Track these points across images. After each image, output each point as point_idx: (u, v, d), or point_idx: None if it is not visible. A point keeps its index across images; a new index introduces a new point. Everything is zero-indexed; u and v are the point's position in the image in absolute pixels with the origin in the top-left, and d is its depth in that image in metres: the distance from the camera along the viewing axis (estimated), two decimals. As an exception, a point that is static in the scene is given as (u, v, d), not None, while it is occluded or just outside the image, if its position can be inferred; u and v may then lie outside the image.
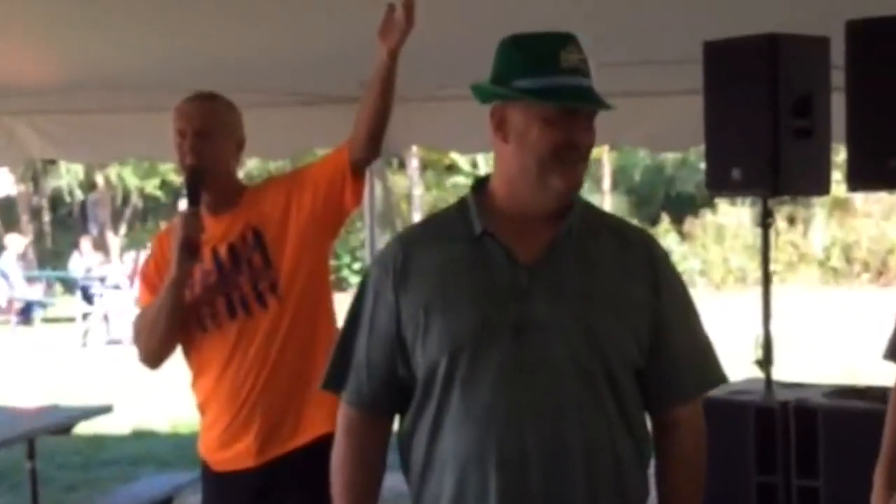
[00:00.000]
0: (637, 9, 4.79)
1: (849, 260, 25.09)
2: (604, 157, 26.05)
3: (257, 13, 4.79)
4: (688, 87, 5.39)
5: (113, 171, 28.09)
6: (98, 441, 10.00)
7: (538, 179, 2.35)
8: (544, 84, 2.31)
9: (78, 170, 28.01)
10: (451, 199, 2.63)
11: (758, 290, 5.20)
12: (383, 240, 7.39)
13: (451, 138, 7.16)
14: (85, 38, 5.13)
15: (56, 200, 31.04)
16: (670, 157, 25.77)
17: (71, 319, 19.16)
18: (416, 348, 2.37)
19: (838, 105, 4.72)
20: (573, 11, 4.31)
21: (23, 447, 6.03)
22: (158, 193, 29.05)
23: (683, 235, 25.88)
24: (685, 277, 2.58)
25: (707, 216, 25.96)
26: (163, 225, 20.15)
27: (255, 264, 3.48)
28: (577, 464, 2.31)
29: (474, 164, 25.40)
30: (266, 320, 3.46)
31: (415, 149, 17.24)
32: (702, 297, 3.13)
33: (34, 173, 29.31)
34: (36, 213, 30.76)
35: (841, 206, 24.56)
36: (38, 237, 29.95)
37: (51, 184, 30.16)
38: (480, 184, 2.47)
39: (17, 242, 22.71)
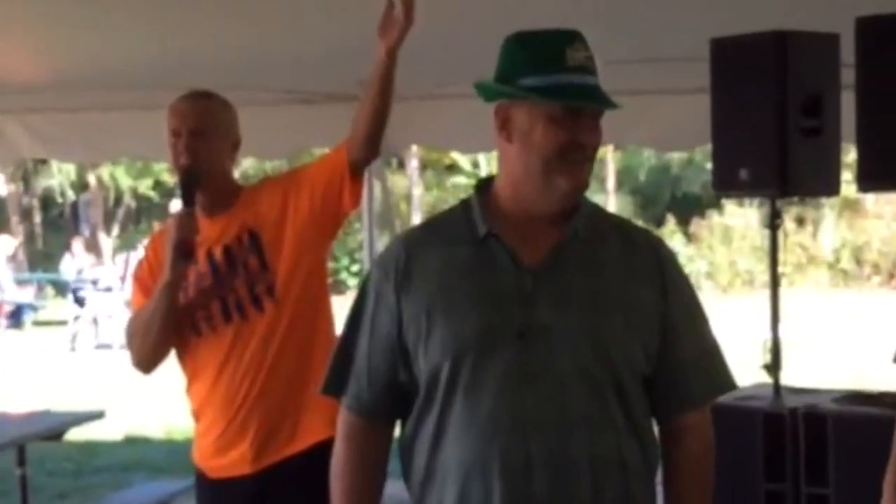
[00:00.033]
0: (642, 5, 4.79)
1: (859, 262, 25.09)
2: (608, 156, 26.06)
3: (254, 9, 4.79)
4: (694, 86, 5.38)
5: (105, 171, 28.11)
6: (90, 447, 10.00)
7: (543, 180, 2.34)
8: (550, 82, 2.30)
9: (70, 169, 28.03)
10: (452, 200, 2.63)
11: (765, 294, 5.19)
12: (382, 241, 7.39)
13: (451, 137, 7.16)
14: (77, 35, 5.12)
15: (47, 201, 31.06)
16: (676, 156, 25.76)
17: (62, 323, 19.17)
18: (417, 353, 2.37)
19: (848, 104, 4.71)
20: (576, 8, 4.30)
21: (13, 453, 6.03)
22: (152, 194, 29.07)
23: (689, 237, 25.87)
24: (691, 280, 2.58)
25: (714, 217, 25.95)
26: (156, 226, 20.16)
27: (252, 267, 3.48)
28: (582, 472, 2.31)
29: (475, 164, 25.42)
30: (262, 324, 3.46)
31: (414, 148, 17.27)
32: (708, 300, 3.14)
33: (25, 173, 29.33)
34: (26, 214, 30.77)
35: (851, 207, 24.56)
36: (29, 238, 29.98)
37: (42, 184, 30.18)
38: (484, 184, 2.47)
39: (7, 244, 22.73)
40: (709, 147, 5.04)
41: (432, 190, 27.70)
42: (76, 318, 18.52)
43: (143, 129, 6.34)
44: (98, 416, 6.60)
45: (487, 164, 23.64)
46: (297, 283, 3.47)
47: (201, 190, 3.49)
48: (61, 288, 22.12)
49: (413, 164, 25.49)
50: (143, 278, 3.59)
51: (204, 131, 3.49)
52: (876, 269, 24.88)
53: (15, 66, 5.75)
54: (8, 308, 21.14)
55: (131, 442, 10.68)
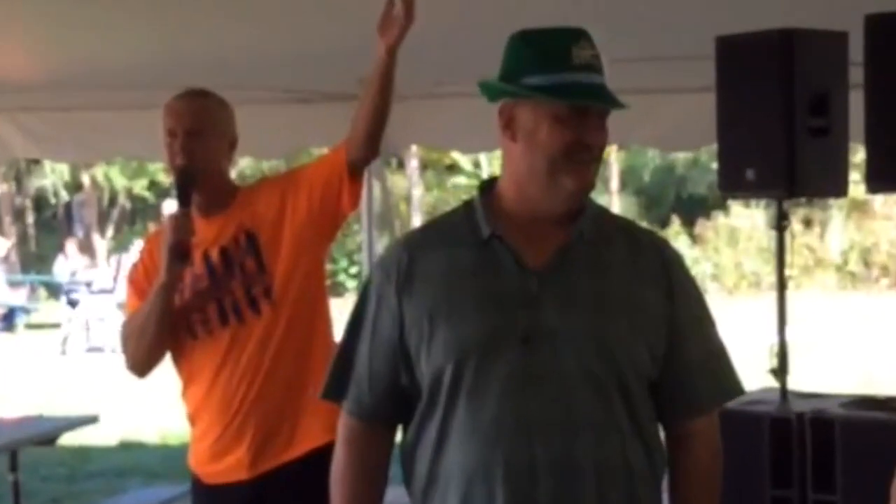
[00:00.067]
0: (646, 3, 4.79)
1: (867, 264, 25.09)
2: (612, 156, 26.05)
3: (251, 7, 4.79)
4: (699, 84, 5.39)
5: (100, 171, 28.10)
6: (84, 452, 10.00)
7: (548, 180, 2.35)
8: (555, 81, 2.31)
9: (63, 169, 28.02)
10: (452, 201, 2.64)
11: (772, 296, 5.19)
12: (381, 243, 7.40)
13: (451, 137, 7.16)
14: (71, 33, 5.13)
15: (40, 201, 31.05)
16: (681, 156, 25.76)
17: (55, 325, 19.18)
18: (420, 356, 2.37)
19: (856, 103, 4.71)
20: (578, 5, 4.31)
21: (5, 459, 6.03)
22: (147, 194, 29.05)
23: (694, 238, 25.87)
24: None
25: (719, 218, 25.96)
26: (151, 227, 20.20)
27: (249, 269, 3.48)
28: (587, 478, 2.31)
29: (476, 164, 25.43)
30: (259, 327, 3.46)
31: (414, 148, 17.26)
32: (714, 302, 3.12)
33: (17, 173, 29.34)
34: (19, 215, 30.77)
35: (859, 207, 24.55)
36: (22, 240, 29.98)
37: (35, 184, 30.18)
38: (488, 185, 2.47)
39: (0, 245, 22.73)
40: (714, 147, 5.05)
41: (432, 190, 27.70)
42: (69, 320, 18.53)
43: (139, 129, 6.34)
44: (92, 420, 6.61)
45: (489, 164, 23.65)
46: (294, 285, 3.47)
47: (197, 190, 3.49)
48: (54, 290, 22.12)
49: (413, 164, 25.49)
50: (138, 280, 3.59)
51: (200, 131, 3.49)
52: (884, 271, 24.88)
53: (8, 64, 5.75)
54: (1, 311, 21.14)
55: (126, 447, 10.68)
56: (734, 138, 4.85)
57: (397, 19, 3.25)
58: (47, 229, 30.88)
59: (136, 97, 6.22)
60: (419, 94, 6.21)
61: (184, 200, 3.48)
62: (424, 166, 26.68)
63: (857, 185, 6.04)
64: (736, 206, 24.37)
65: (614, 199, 26.69)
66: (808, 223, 24.79)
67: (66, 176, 29.11)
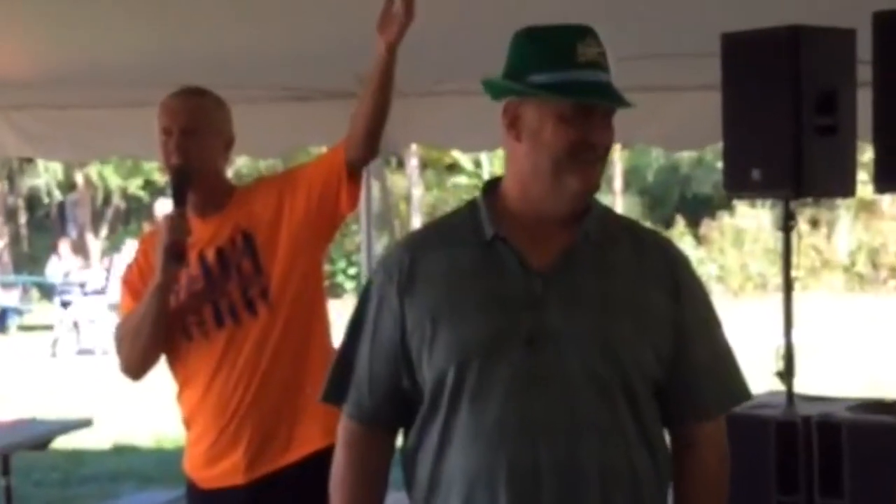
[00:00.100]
0: (649, -1, 4.79)
1: (875, 265, 25.09)
2: (615, 156, 26.05)
3: (248, 4, 4.80)
4: (705, 82, 5.39)
5: (93, 170, 28.11)
6: (77, 456, 10.01)
7: (553, 180, 2.35)
8: (560, 79, 2.30)
9: (56, 168, 28.03)
10: (453, 200, 2.64)
11: (778, 298, 5.20)
12: (380, 243, 7.41)
13: (452, 136, 7.16)
14: (65, 29, 5.13)
15: (33, 201, 31.05)
16: (686, 156, 25.79)
17: (48, 327, 19.18)
18: (421, 359, 2.37)
19: (864, 101, 4.71)
20: (580, 2, 4.30)
21: (-3, 463, 6.04)
22: (142, 194, 29.06)
23: (699, 239, 25.88)
24: (701, 284, 2.58)
25: (724, 219, 25.97)
26: (146, 227, 20.18)
27: (245, 270, 3.48)
28: (592, 482, 2.31)
29: (477, 164, 25.44)
30: (256, 329, 3.46)
31: (414, 147, 17.28)
32: (719, 304, 3.11)
33: (10, 172, 29.36)
34: (11, 215, 30.78)
35: (867, 208, 24.56)
36: (14, 240, 29.99)
37: (27, 183, 30.19)
38: (492, 185, 2.47)
39: (-8, 245, 22.75)
40: (719, 146, 5.05)
41: (433, 190, 27.71)
42: (60, 322, 18.53)
43: (134, 127, 6.35)
44: (85, 424, 6.61)
45: (490, 163, 23.66)
46: (292, 287, 3.47)
47: (193, 190, 3.50)
48: (47, 291, 22.12)
49: (413, 163, 25.49)
50: (133, 281, 3.59)
51: (196, 129, 3.49)
52: (893, 272, 24.88)
53: (0, 60, 5.76)
54: (-8, 312, 21.18)
55: (120, 451, 10.69)
56: (740, 137, 4.85)
57: (397, 17, 3.25)
58: (40, 229, 30.90)
59: (131, 95, 6.22)
60: (419, 91, 6.21)
61: (179, 200, 3.48)
62: (424, 165, 26.69)
63: (864, 184, 6.05)
64: (741, 207, 24.37)
65: (617, 200, 26.68)
66: (814, 223, 24.80)
67: (60, 175, 29.12)
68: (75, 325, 18.28)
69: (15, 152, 7.83)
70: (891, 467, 2.67)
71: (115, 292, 3.92)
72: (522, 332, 2.31)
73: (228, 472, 3.50)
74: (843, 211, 24.89)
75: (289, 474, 3.47)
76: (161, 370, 3.60)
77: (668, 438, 2.47)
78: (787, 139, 4.70)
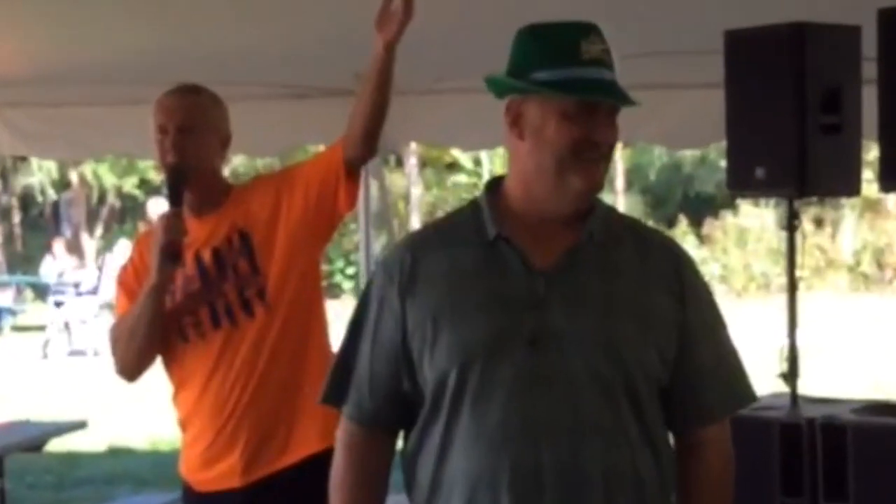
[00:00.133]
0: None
1: (880, 265, 25.08)
2: (617, 154, 26.03)
3: (245, 1, 4.80)
4: (708, 80, 5.38)
5: (88, 169, 28.09)
6: (72, 459, 10.01)
7: (556, 179, 2.35)
8: (563, 76, 2.31)
9: (51, 167, 28.03)
10: (452, 199, 2.64)
11: (782, 298, 5.20)
12: (379, 243, 7.40)
13: (451, 134, 7.16)
14: (60, 26, 5.13)
15: (27, 200, 31.05)
16: (688, 154, 25.77)
17: (42, 328, 19.17)
18: (423, 360, 2.37)
19: (870, 99, 4.71)
20: (581, 0, 4.31)
21: (-9, 465, 6.04)
22: (137, 192, 29.04)
23: (702, 238, 25.87)
24: (704, 284, 2.58)
25: (728, 218, 25.95)
26: (141, 227, 20.19)
27: (242, 270, 3.48)
28: (595, 484, 2.31)
29: (477, 162, 25.40)
30: (253, 330, 3.46)
31: (413, 145, 17.29)
32: (722, 304, 3.10)
33: (3, 171, 29.34)
34: (5, 214, 30.77)
35: (872, 207, 24.55)
36: (8, 239, 29.99)
37: (21, 182, 30.17)
38: (494, 184, 2.47)
39: (-15, 245, 22.74)
40: (723, 144, 5.05)
41: (432, 189, 27.69)
42: (52, 322, 18.53)
43: (129, 125, 6.34)
44: (80, 426, 6.62)
45: (490, 161, 23.65)
46: (289, 287, 3.47)
47: (189, 189, 3.50)
48: (41, 291, 22.12)
49: (412, 161, 25.47)
50: (128, 282, 3.59)
51: (192, 127, 3.49)
52: (898, 272, 24.89)
53: (-6, 58, 5.76)
54: (-15, 312, 21.17)
55: (115, 453, 10.69)
56: (743, 135, 4.85)
57: (396, 14, 3.25)
58: (34, 229, 30.88)
59: (126, 93, 6.22)
60: (418, 89, 6.21)
61: (175, 199, 3.48)
62: (424, 164, 26.67)
63: (870, 183, 6.04)
64: (745, 206, 24.35)
65: (619, 199, 26.68)
66: (819, 223, 24.78)
67: (54, 174, 29.10)
68: (66, 325, 18.26)
69: (9, 151, 7.83)
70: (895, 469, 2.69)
71: (107, 292, 3.92)
72: (525, 333, 2.31)
73: (225, 474, 3.50)
74: (848, 210, 24.87)
75: (286, 477, 3.47)
76: (157, 371, 3.60)
77: (672, 440, 2.48)
78: (792, 137, 4.70)
